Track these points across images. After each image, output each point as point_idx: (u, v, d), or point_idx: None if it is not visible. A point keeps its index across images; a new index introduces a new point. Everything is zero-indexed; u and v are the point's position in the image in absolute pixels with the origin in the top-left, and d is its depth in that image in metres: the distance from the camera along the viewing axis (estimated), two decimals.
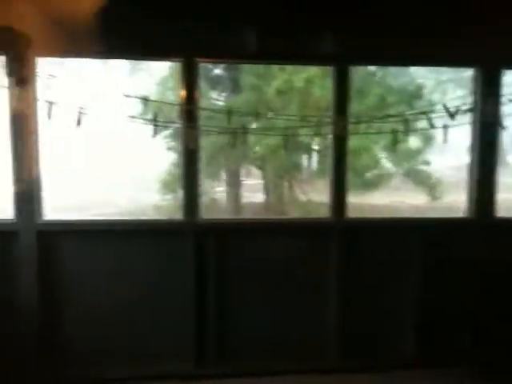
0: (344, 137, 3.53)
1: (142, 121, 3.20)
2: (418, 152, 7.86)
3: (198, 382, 3.54)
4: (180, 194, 3.57)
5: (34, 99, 3.27)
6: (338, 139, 3.53)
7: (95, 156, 7.93)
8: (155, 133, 3.04)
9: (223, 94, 8.42)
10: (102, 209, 8.09)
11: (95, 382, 3.46)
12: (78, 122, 2.82)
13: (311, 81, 6.64)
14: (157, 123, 2.98)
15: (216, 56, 3.68)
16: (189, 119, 3.35)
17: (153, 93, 7.53)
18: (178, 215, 3.66)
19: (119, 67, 7.94)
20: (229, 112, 3.08)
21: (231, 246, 3.65)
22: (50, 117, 2.81)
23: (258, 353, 3.71)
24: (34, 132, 3.33)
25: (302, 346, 3.73)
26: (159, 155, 7.59)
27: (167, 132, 7.48)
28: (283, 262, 3.69)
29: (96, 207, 8.11)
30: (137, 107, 3.36)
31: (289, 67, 6.84)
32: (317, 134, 3.13)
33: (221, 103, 8.20)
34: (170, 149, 7.77)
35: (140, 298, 3.59)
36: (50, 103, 2.80)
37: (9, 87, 3.11)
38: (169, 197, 7.96)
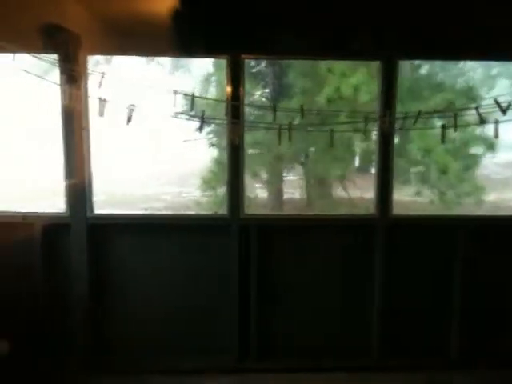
0: (390, 133, 3.49)
1: (187, 117, 3.24)
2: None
3: (241, 376, 3.58)
4: (220, 189, 3.59)
5: (86, 96, 3.39)
6: (384, 135, 3.49)
7: (143, 152, 8.12)
8: (201, 129, 3.07)
9: (267, 91, 8.42)
10: (149, 203, 8.27)
11: (142, 373, 3.54)
12: (129, 120, 2.87)
13: (359, 88, 6.51)
14: (202, 120, 3.01)
15: (262, 53, 3.69)
16: (234, 115, 3.38)
17: (194, 89, 7.60)
18: (219, 210, 3.67)
19: (161, 64, 8.08)
20: (274, 108, 3.08)
21: (275, 241, 3.65)
22: (101, 114, 2.87)
23: (299, 349, 3.71)
24: (86, 128, 3.44)
25: (346, 343, 3.72)
26: (202, 151, 7.66)
27: (210, 128, 7.58)
28: (327, 259, 3.67)
29: (144, 202, 8.31)
30: (181, 104, 3.41)
31: (337, 70, 6.74)
32: (363, 131, 3.07)
33: (266, 101, 8.20)
34: (212, 145, 7.85)
35: (185, 292, 3.65)
36: (102, 100, 2.87)
37: (61, 85, 3.22)
38: (210, 192, 8.06)
